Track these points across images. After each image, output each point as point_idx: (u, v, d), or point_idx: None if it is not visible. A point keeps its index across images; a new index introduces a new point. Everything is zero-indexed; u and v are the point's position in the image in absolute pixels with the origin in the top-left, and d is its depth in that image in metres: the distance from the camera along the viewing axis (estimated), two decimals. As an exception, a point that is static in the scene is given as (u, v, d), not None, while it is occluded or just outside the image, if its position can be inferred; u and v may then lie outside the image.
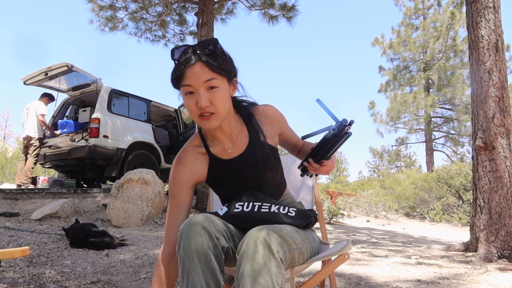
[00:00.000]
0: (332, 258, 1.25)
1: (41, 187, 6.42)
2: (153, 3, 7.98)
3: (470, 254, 3.42)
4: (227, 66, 1.08)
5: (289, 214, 1.18)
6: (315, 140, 1.16)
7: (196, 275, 0.99)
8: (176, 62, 1.08)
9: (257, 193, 1.23)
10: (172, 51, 1.09)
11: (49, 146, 6.32)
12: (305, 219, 1.21)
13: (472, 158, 3.66)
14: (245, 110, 1.23)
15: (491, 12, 3.58)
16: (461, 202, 9.22)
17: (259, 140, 1.20)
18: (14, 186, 6.45)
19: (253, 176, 1.21)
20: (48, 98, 6.63)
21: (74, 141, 5.95)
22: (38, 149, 6.27)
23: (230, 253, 1.10)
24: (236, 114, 1.22)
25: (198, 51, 1.05)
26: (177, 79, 1.06)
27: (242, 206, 1.18)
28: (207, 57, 1.04)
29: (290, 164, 1.83)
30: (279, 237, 1.01)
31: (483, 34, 3.59)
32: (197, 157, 1.21)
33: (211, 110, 1.06)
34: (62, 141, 6.11)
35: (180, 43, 9.02)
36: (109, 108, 6.30)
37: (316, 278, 1.20)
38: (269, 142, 1.22)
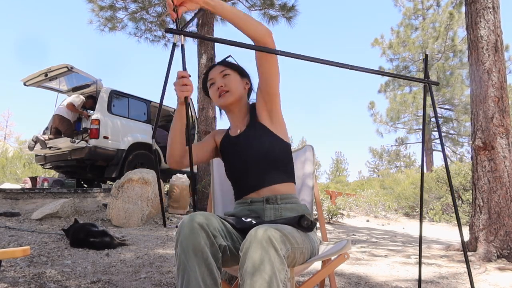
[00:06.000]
0: (332, 257, 1.25)
1: (42, 187, 6.42)
2: (153, 3, 7.98)
3: (470, 253, 3.42)
4: (237, 66, 1.49)
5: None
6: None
7: (192, 271, 1.00)
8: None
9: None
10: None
11: (50, 147, 6.32)
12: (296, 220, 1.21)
13: (472, 158, 3.67)
14: (252, 104, 1.52)
15: (490, 12, 3.59)
16: (460, 202, 9.23)
17: (255, 122, 1.43)
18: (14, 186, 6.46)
19: (248, 150, 1.40)
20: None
21: (74, 142, 5.95)
22: None
23: (227, 252, 1.11)
24: (247, 105, 1.52)
25: (218, 61, 1.50)
26: (205, 81, 1.50)
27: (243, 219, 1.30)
28: (222, 61, 1.49)
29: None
30: (282, 235, 1.02)
31: (482, 35, 3.60)
32: (221, 133, 1.58)
33: (226, 89, 1.42)
34: (62, 142, 6.11)
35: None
36: (109, 109, 6.30)
37: (316, 278, 1.21)
38: (263, 122, 1.41)
